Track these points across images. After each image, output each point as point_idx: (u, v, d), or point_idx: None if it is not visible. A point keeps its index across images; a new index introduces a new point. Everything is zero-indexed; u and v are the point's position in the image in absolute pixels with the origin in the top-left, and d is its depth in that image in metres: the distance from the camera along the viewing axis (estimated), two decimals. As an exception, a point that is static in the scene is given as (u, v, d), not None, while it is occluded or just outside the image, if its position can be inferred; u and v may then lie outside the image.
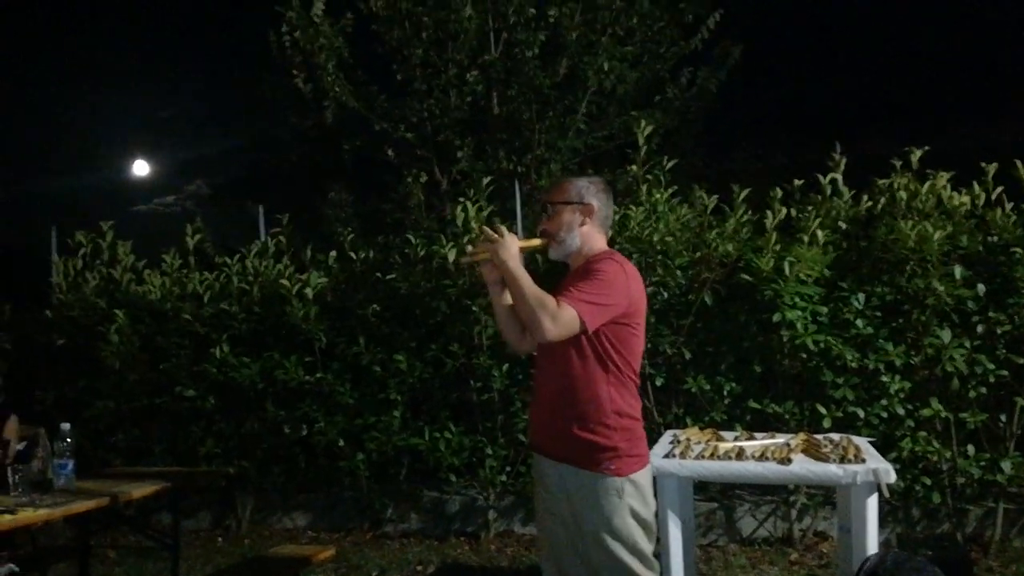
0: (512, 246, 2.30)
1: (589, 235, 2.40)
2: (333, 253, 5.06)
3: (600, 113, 7.08)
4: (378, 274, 4.89)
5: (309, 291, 4.78)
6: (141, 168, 13.45)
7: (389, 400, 4.70)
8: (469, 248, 2.69)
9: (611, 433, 2.27)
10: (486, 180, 4.94)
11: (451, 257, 4.57)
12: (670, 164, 4.60)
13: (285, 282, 4.80)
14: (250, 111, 8.48)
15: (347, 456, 4.75)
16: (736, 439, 3.37)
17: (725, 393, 4.26)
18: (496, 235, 2.32)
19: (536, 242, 2.43)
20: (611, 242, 2.65)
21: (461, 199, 4.82)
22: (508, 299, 2.38)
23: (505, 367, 4.55)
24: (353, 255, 4.98)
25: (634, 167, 4.70)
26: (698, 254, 4.41)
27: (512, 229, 5.17)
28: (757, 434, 3.46)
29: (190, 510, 5.09)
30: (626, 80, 6.91)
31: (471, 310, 4.56)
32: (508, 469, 4.63)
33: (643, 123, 4.76)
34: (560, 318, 2.18)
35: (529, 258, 2.43)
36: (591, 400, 2.28)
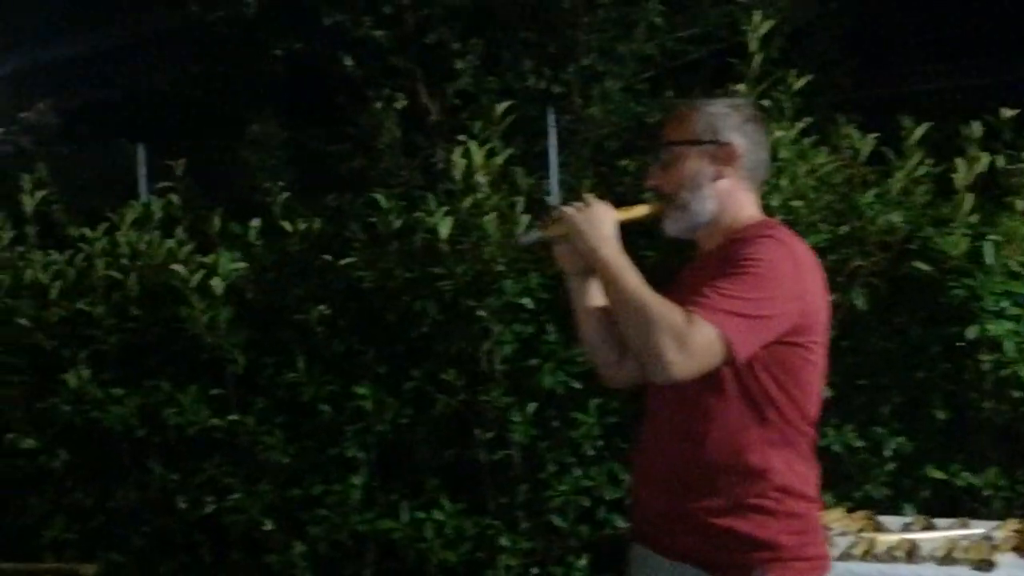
0: (605, 220, 2.34)
1: (731, 195, 2.41)
2: (256, 222, 5.09)
3: (687, 1, 7.07)
4: (327, 257, 4.92)
5: (217, 282, 4.80)
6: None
7: (345, 458, 4.72)
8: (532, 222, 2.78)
9: (770, 522, 2.27)
10: (502, 106, 4.95)
11: (443, 229, 4.58)
12: (800, 82, 4.59)
13: (179, 268, 4.84)
14: (124, -6, 8.54)
15: (278, 546, 4.78)
16: (906, 528, 3.37)
17: (888, 453, 4.25)
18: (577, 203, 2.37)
19: (643, 209, 2.46)
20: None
21: (461, 136, 4.84)
22: (597, 299, 2.44)
23: (531, 407, 4.55)
24: (287, 225, 5.01)
25: (741, 86, 4.69)
26: (845, 229, 4.39)
27: (542, 184, 5.23)
28: (939, 521, 3.46)
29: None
30: (730, -54, 6.90)
31: (476, 315, 4.57)
32: (535, 571, 4.64)
33: (756, 16, 4.74)
34: (692, 342, 2.15)
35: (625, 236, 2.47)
36: (738, 468, 2.28)
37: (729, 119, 2.41)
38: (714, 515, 2.28)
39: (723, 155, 2.39)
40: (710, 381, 2.25)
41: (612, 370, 2.54)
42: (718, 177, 2.39)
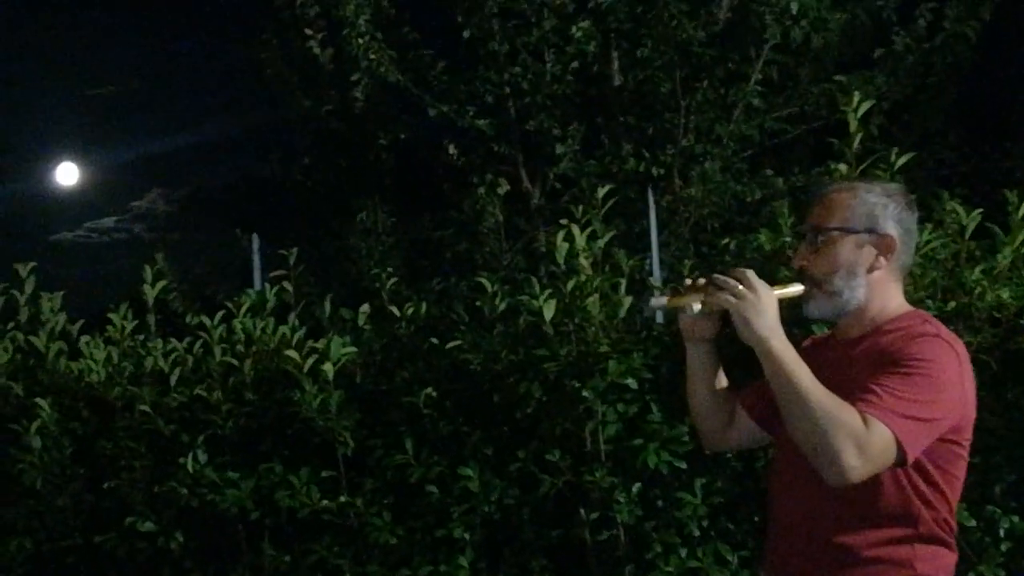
0: (771, 307, 2.26)
1: (882, 284, 2.38)
2: (365, 308, 5.17)
3: (785, 80, 7.09)
4: (433, 340, 4.98)
5: (328, 368, 4.87)
6: (67, 175, 13.90)
7: (452, 539, 4.71)
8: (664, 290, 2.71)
9: None
10: (603, 189, 5.00)
11: (547, 311, 4.61)
12: (902, 159, 4.55)
13: (292, 353, 4.92)
14: (236, 90, 8.85)
15: (387, 628, 4.79)
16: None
17: (1003, 533, 4.13)
18: (739, 282, 2.28)
19: (794, 290, 2.41)
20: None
21: (563, 220, 4.89)
22: (712, 367, 2.46)
23: (636, 487, 4.52)
24: (395, 310, 5.08)
25: (842, 166, 4.67)
26: (952, 304, 4.32)
27: (646, 264, 5.25)
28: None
29: None
30: (827, 26, 6.90)
31: (581, 396, 4.58)
32: (644, 654, 4.57)
33: (856, 94, 4.73)
34: (871, 446, 2.10)
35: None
36: (889, 559, 2.27)
37: (888, 208, 2.37)
38: None
39: (882, 246, 2.35)
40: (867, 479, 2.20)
41: (718, 437, 2.53)
42: (873, 268, 2.36)
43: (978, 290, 4.26)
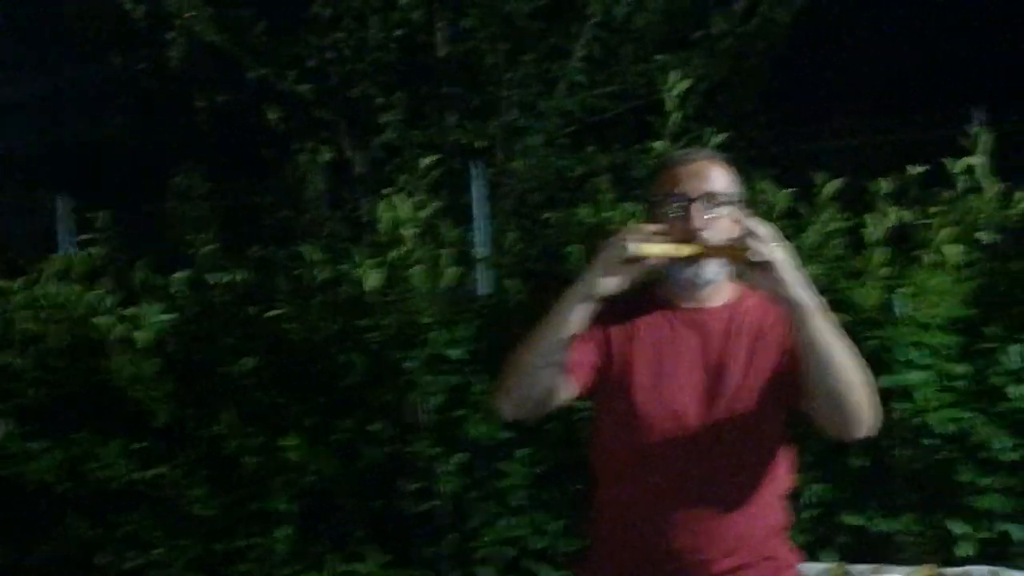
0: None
1: None
2: (181, 275, 5.05)
3: (607, 58, 7.20)
4: (253, 309, 4.89)
5: (141, 335, 4.77)
6: None
7: (270, 512, 4.68)
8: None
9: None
10: (427, 160, 4.99)
11: (370, 281, 4.59)
12: (716, 139, 4.69)
13: (103, 320, 4.78)
14: (47, 47, 8.46)
15: (201, 602, 4.71)
16: None
17: (806, 501, 4.31)
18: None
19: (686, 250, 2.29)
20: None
21: (386, 190, 4.87)
22: (579, 329, 2.26)
23: (458, 458, 4.56)
24: (212, 279, 4.97)
25: (659, 143, 4.77)
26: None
27: (468, 239, 5.27)
28: (856, 568, 3.52)
29: None
30: (648, 6, 7.04)
31: (403, 367, 4.57)
32: (461, 623, 4.63)
33: (674, 74, 4.83)
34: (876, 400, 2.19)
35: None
36: (782, 495, 2.36)
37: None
38: (777, 542, 2.36)
39: (743, 212, 2.32)
40: (776, 445, 2.31)
41: (538, 401, 2.30)
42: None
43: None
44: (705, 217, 2.26)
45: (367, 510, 4.75)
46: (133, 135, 8.28)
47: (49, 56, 8.80)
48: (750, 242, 2.13)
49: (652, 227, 2.24)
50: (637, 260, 2.20)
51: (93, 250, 5.21)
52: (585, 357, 2.32)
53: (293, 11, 7.07)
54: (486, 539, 4.51)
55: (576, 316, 2.24)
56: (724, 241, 2.25)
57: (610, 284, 2.22)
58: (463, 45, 7.10)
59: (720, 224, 2.27)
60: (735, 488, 2.29)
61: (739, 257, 2.18)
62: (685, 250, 2.24)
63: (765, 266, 2.12)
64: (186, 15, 6.91)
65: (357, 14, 6.94)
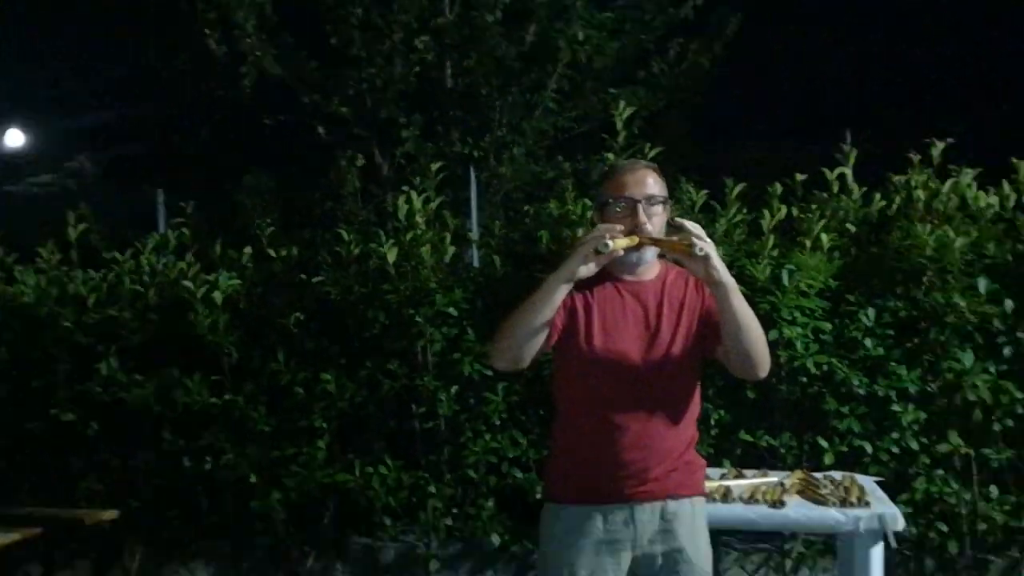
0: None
1: None
2: (248, 250, 5.03)
3: (573, 90, 7.19)
4: (302, 276, 4.88)
5: (218, 295, 4.75)
6: (14, 139, 13.16)
7: (313, 428, 4.69)
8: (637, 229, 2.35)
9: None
10: (436, 165, 4.99)
11: (390, 256, 4.60)
12: (653, 152, 4.68)
13: (188, 283, 4.77)
14: (149, 75, 8.41)
15: (260, 495, 4.72)
16: (723, 477, 3.45)
17: (712, 422, 4.34)
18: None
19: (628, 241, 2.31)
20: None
21: (405, 187, 4.86)
22: (557, 302, 2.27)
23: (454, 390, 4.58)
24: (272, 252, 4.97)
25: (611, 155, 4.78)
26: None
27: (466, 225, 5.27)
28: (747, 472, 3.54)
29: (66, 560, 4.99)
30: (604, 52, 7.04)
31: (414, 321, 4.59)
32: (455, 511, 4.65)
33: (623, 103, 4.84)
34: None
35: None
36: (695, 417, 2.43)
37: None
38: (691, 453, 2.43)
39: (669, 211, 2.39)
40: (693, 381, 2.40)
41: (527, 356, 2.33)
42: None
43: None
44: (646, 214, 2.33)
45: (386, 428, 4.78)
46: (214, 144, 8.25)
47: (154, 84, 8.71)
48: (693, 239, 2.21)
49: (618, 227, 2.29)
50: (609, 252, 2.26)
51: (183, 231, 5.20)
52: (557, 320, 2.36)
53: (338, 52, 7.06)
54: (475, 449, 4.55)
55: (559, 294, 2.31)
56: (663, 235, 2.33)
57: (587, 269, 2.29)
58: (465, 79, 7.09)
59: (656, 220, 2.35)
60: (665, 413, 2.35)
61: (684, 250, 2.23)
62: (644, 244, 2.30)
63: (704, 258, 2.20)
64: (256, 53, 6.88)
65: (386, 55, 6.94)
